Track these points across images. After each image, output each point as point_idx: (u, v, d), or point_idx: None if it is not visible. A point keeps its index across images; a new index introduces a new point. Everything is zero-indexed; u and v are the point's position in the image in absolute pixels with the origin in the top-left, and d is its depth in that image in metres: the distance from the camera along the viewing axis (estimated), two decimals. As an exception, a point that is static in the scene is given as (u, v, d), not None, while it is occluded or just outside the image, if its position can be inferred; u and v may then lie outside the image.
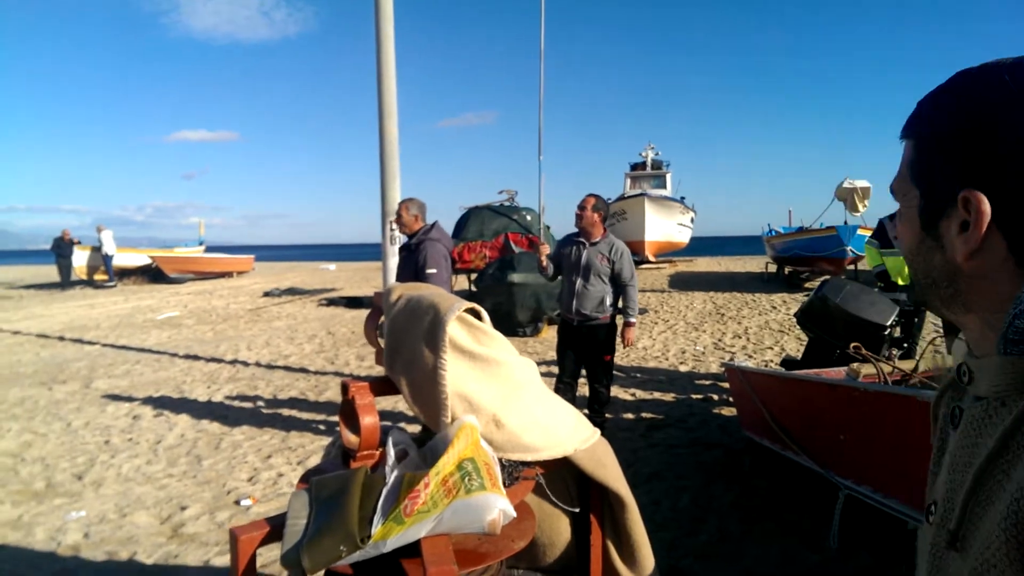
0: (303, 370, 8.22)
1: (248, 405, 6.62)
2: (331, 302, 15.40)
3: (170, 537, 3.84)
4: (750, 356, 8.12)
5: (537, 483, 2.00)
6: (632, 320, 4.89)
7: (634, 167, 29.94)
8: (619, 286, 4.80)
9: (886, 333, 4.98)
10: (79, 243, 21.78)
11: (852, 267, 15.56)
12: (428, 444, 1.89)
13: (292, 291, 18.00)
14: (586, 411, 4.82)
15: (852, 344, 4.10)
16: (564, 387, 4.91)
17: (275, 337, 10.80)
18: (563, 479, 2.21)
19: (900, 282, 6.03)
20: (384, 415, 5.47)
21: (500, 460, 1.90)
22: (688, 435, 5.23)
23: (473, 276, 12.85)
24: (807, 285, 16.34)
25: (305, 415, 6.20)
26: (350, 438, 1.98)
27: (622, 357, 8.37)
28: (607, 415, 5.04)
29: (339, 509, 1.76)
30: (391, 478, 1.75)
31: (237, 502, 4.27)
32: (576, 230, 4.90)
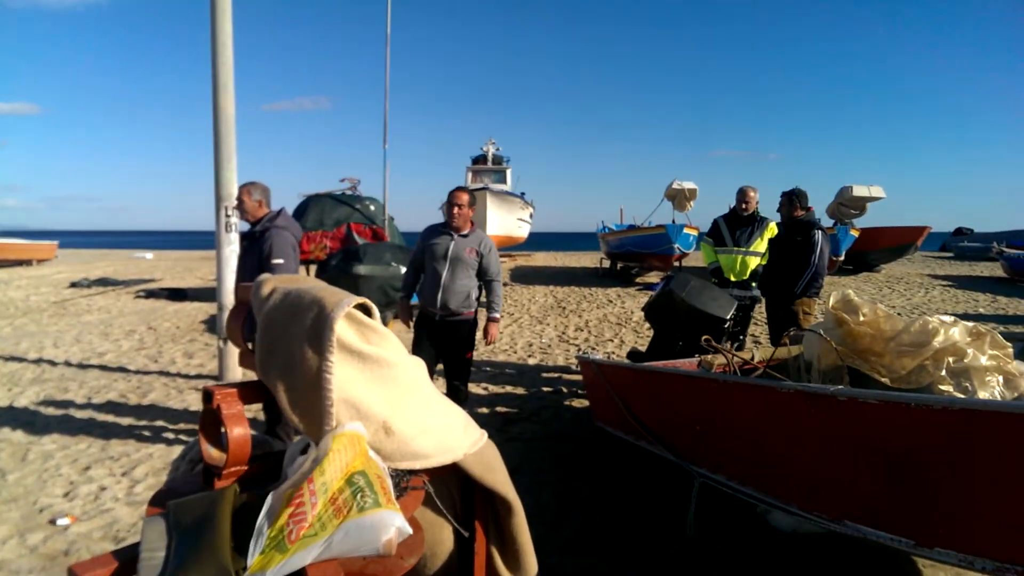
0: (122, 369, 7.41)
1: (58, 411, 5.84)
2: (150, 294, 14.08)
3: (-34, 569, 3.27)
4: (593, 348, 8.38)
5: (428, 491, 1.87)
6: (496, 316, 4.78)
7: (475, 160, 30.11)
8: (485, 281, 4.71)
9: (726, 327, 5.29)
10: None
11: (678, 263, 16.62)
12: (311, 449, 1.69)
13: (104, 281, 16.28)
14: None
15: (703, 337, 4.29)
16: None
17: (86, 333, 9.68)
18: (447, 485, 2.09)
19: (732, 278, 6.45)
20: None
21: (388, 470, 1.75)
22: (543, 429, 5.27)
23: (313, 268, 12.29)
24: (638, 280, 17.26)
25: (127, 420, 5.57)
26: (212, 453, 1.72)
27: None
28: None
29: (207, 538, 1.52)
30: (273, 496, 1.54)
31: (52, 521, 3.73)
32: (442, 221, 4.75)
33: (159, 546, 1.53)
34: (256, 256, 4.37)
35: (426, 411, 1.85)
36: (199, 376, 7.10)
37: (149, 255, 28.20)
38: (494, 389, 6.45)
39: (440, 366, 4.77)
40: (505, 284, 16.44)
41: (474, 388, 6.45)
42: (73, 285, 15.75)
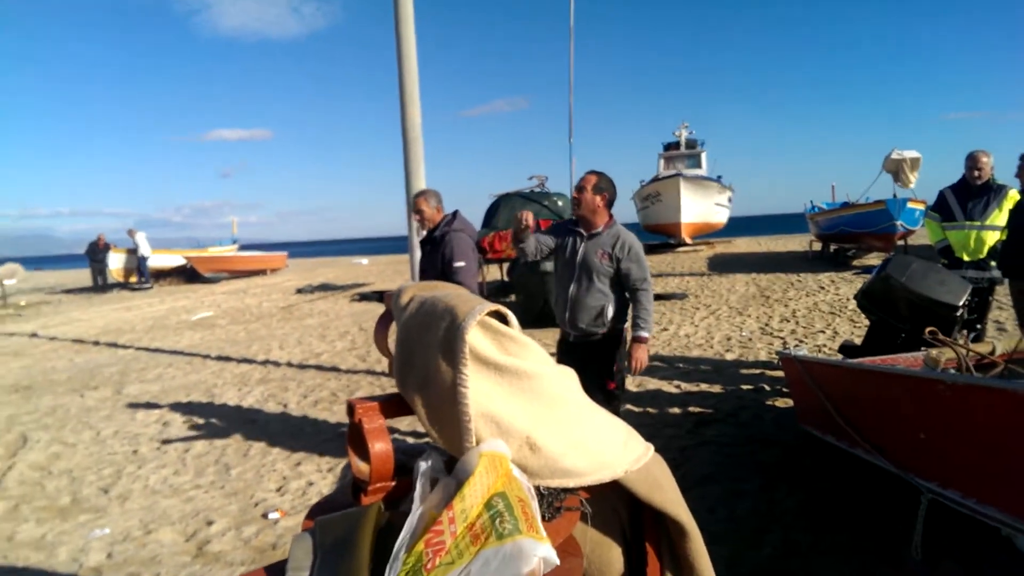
0: (335, 369, 8.01)
1: (279, 408, 6.42)
2: (363, 297, 15.23)
3: (195, 556, 3.62)
4: (801, 341, 7.67)
5: (585, 513, 1.70)
6: (643, 335, 3.79)
7: (667, 147, 29.24)
8: (628, 291, 3.84)
9: (958, 314, 4.54)
10: (114, 247, 22.03)
11: (902, 243, 14.89)
12: (454, 471, 1.59)
13: (324, 287, 17.90)
14: None
15: (927, 329, 3.68)
16: None
17: (307, 335, 10.63)
18: (612, 503, 1.88)
19: (966, 258, 5.55)
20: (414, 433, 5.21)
21: (538, 488, 1.60)
22: (742, 431, 4.85)
23: (506, 266, 12.56)
24: (855, 263, 15.70)
25: (336, 417, 5.98)
26: (360, 467, 1.68)
27: (663, 346, 8.00)
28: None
29: (346, 560, 1.46)
30: (413, 518, 1.45)
31: (265, 515, 4.04)
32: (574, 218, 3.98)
33: (304, 564, 1.49)
34: (438, 260, 4.46)
35: (576, 425, 1.66)
36: (377, 396, 7.46)
37: (365, 260, 30.69)
38: (687, 387, 6.09)
39: None
40: (702, 274, 15.73)
41: (665, 386, 6.15)
42: (298, 291, 17.49)
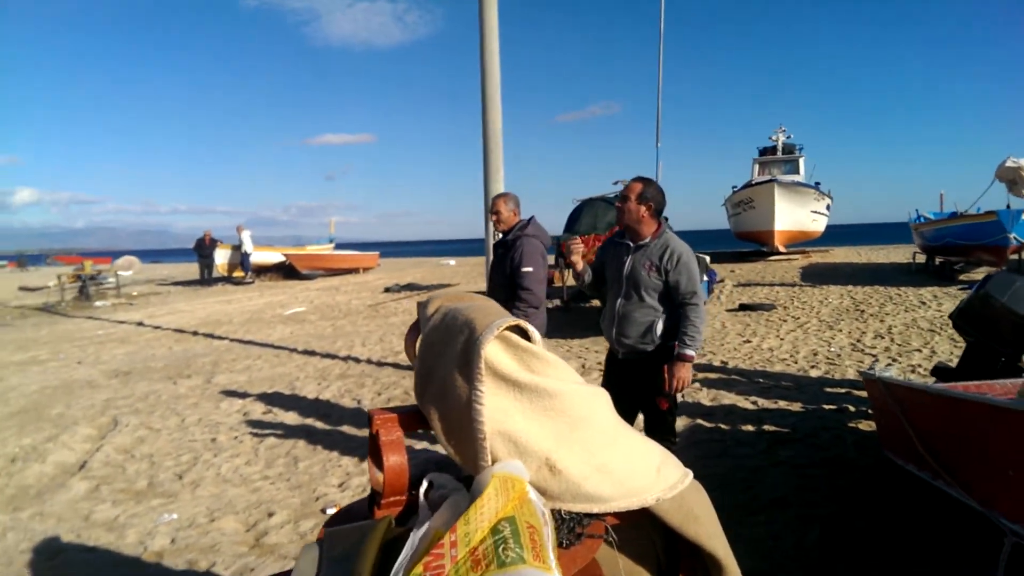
0: (410, 368, 8.11)
1: (353, 404, 6.57)
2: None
3: (251, 547, 3.73)
4: (894, 360, 7.21)
5: (610, 540, 1.61)
6: (687, 352, 3.45)
7: (763, 152, 28.24)
8: (677, 304, 3.52)
9: (1067, 339, 4.14)
10: (220, 243, 23.23)
11: (1016, 257, 13.81)
12: (470, 489, 1.55)
13: (411, 287, 18.26)
14: None
15: (1027, 355, 3.36)
16: None
17: (389, 333, 10.85)
18: (647, 531, 1.79)
19: (1084, 277, 5.06)
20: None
21: (559, 513, 1.53)
22: (819, 453, 4.59)
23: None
24: (962, 277, 14.68)
25: (405, 417, 6.05)
26: (377, 478, 1.66)
27: (744, 358, 7.69)
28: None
29: (350, 573, 1.45)
30: (415, 538, 1.42)
31: (323, 510, 4.13)
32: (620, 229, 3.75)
33: (308, 575, 1.49)
34: (508, 264, 4.44)
35: (603, 448, 1.58)
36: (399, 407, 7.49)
37: (452, 261, 31.13)
38: (764, 403, 5.83)
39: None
40: (793, 284, 15.08)
41: (741, 401, 5.90)
42: (386, 290, 17.91)
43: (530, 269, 4.32)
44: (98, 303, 17.73)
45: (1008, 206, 14.25)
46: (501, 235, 4.62)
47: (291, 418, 6.20)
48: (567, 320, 10.70)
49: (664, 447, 3.61)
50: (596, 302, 11.05)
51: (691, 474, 1.78)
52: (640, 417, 3.75)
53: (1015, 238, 12.79)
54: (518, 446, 1.47)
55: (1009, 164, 14.32)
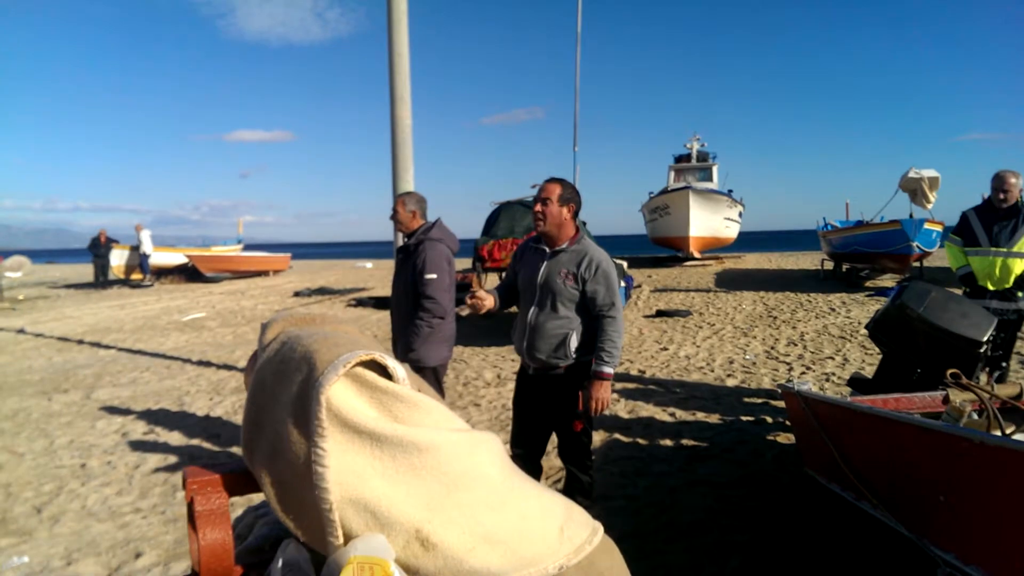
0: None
1: (246, 421, 6.02)
2: (359, 302, 14.84)
3: (108, 597, 3.21)
4: (808, 368, 7.21)
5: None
6: (605, 371, 3.18)
7: (678, 159, 28.80)
8: (594, 316, 3.24)
9: (981, 351, 4.09)
10: (116, 243, 21.79)
11: (918, 264, 14.40)
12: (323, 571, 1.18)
13: (322, 291, 17.53)
14: None
15: (949, 371, 3.25)
16: (520, 461, 3.62)
17: (294, 341, 10.25)
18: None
19: (990, 287, 5.09)
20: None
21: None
22: (738, 470, 4.40)
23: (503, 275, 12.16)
24: (868, 284, 15.19)
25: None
26: (195, 556, 1.28)
27: (661, 367, 7.55)
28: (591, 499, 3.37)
29: None
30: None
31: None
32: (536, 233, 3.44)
33: None
34: (410, 271, 4.07)
35: (490, 510, 1.24)
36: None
37: (369, 264, 30.30)
38: (682, 415, 5.65)
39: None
40: (708, 290, 15.25)
41: (659, 413, 5.71)
42: (296, 295, 17.13)
43: (434, 276, 3.95)
44: (-25, 308, 16.24)
45: (911, 215, 14.84)
46: (403, 239, 4.25)
47: (175, 439, 5.61)
48: (485, 326, 10.37)
49: (581, 478, 3.27)
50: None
51: (600, 529, 1.46)
52: (553, 439, 3.45)
53: (918, 246, 13.29)
54: (378, 516, 1.12)
55: (911, 175, 14.92)
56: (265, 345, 1.32)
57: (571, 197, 3.26)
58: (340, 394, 1.09)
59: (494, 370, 7.59)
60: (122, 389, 7.51)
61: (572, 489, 3.38)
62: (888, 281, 15.02)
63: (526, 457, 3.54)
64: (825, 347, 8.35)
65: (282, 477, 1.14)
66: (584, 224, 12.76)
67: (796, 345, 8.59)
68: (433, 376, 4.09)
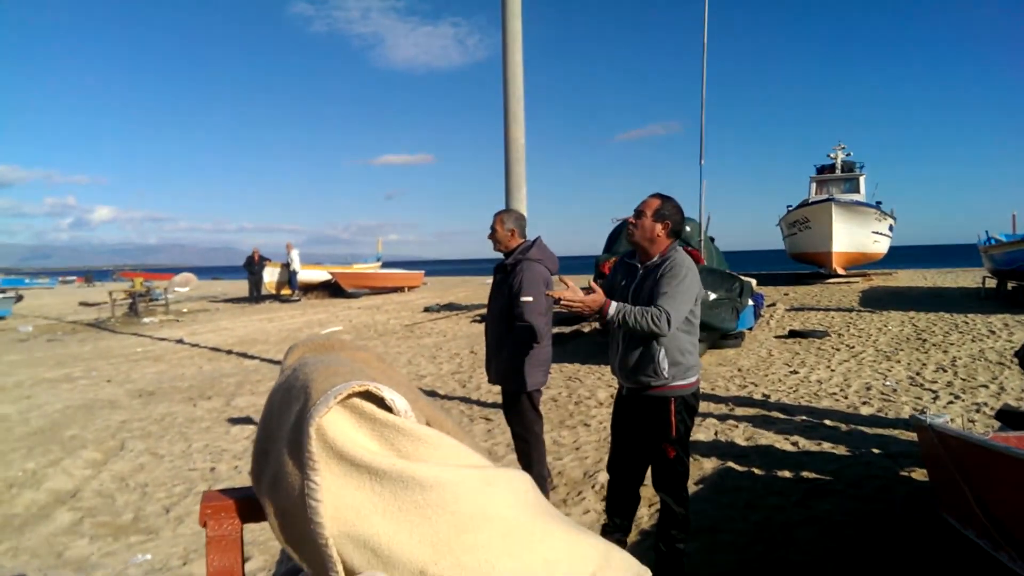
0: (433, 393, 7.78)
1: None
2: (483, 318, 15.08)
3: (216, 599, 3.38)
4: (957, 397, 6.51)
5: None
6: (611, 308, 2.94)
7: (821, 170, 27.22)
8: (683, 332, 3.11)
9: None
10: (269, 261, 23.46)
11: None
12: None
13: (451, 307, 17.99)
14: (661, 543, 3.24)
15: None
16: (614, 487, 3.45)
17: (419, 355, 10.55)
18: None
19: None
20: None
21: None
22: (862, 507, 4.02)
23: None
24: (1038, 304, 13.62)
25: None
26: (219, 584, 1.29)
27: (788, 391, 7.08)
28: (680, 544, 3.20)
29: None
30: None
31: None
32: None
33: None
34: (506, 292, 4.03)
35: (506, 554, 1.16)
36: (495, 405, 7.09)
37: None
38: (805, 444, 5.25)
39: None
40: (850, 309, 14.23)
41: (780, 442, 5.34)
42: (426, 310, 17.68)
43: (530, 299, 3.87)
44: (146, 320, 17.99)
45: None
46: (503, 256, 4.22)
47: (297, 447, 5.90)
48: (603, 343, 10.22)
49: (675, 510, 3.07)
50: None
51: (648, 575, 1.34)
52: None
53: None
54: (379, 555, 1.07)
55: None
56: (282, 371, 1.32)
57: (669, 215, 3.15)
58: (336, 425, 1.06)
59: (608, 389, 7.42)
60: (259, 397, 8.01)
61: (666, 521, 3.21)
62: (1064, 301, 13.39)
63: (621, 484, 3.42)
64: (979, 374, 7.52)
65: (283, 507, 1.12)
66: (712, 240, 12.31)
67: (946, 371, 7.80)
68: (528, 401, 4.04)
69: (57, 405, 8.08)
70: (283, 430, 1.13)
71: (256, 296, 23.70)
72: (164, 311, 19.47)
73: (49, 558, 3.96)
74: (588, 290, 3.12)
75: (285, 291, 23.42)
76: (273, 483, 1.14)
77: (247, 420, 6.93)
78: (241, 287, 27.74)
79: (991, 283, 16.28)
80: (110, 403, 8.08)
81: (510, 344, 3.91)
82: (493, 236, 4.20)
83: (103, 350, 13.02)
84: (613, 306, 2.95)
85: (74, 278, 52.28)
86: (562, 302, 2.96)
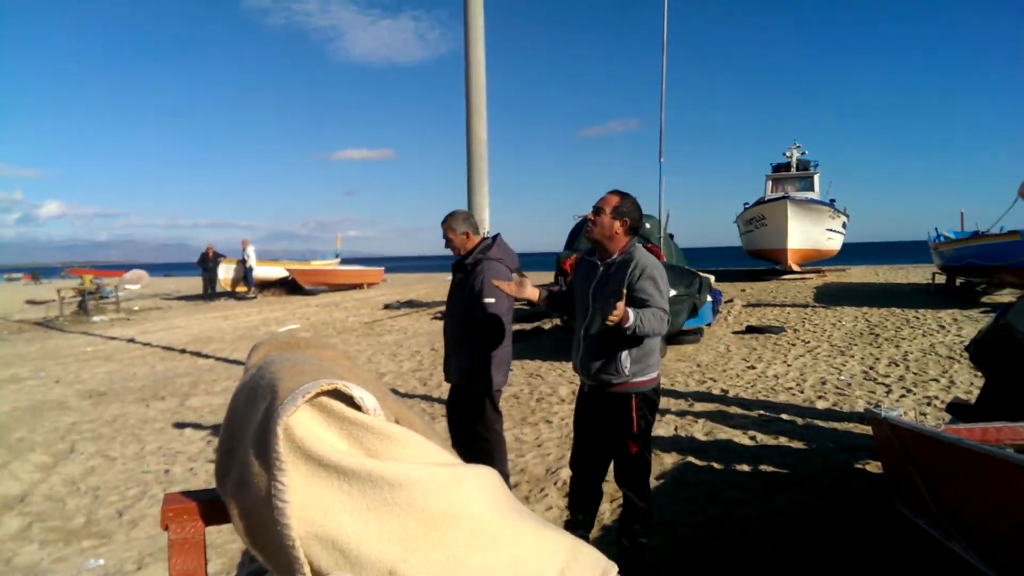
0: (393, 391, 7.68)
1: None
2: (443, 316, 15.02)
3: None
4: (908, 391, 6.70)
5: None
6: (631, 317, 2.90)
7: (776, 168, 27.75)
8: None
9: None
10: (224, 257, 23.00)
11: (1041, 278, 13.22)
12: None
13: (411, 303, 17.87)
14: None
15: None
16: (577, 483, 3.49)
17: (378, 353, 10.45)
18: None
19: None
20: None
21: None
22: (819, 500, 4.11)
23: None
24: (984, 300, 14.09)
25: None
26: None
27: (746, 386, 7.21)
28: (642, 539, 3.23)
29: None
30: None
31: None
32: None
33: None
34: (467, 292, 3.94)
35: (474, 550, 1.15)
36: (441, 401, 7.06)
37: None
38: (764, 439, 5.34)
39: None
40: (805, 305, 14.56)
41: (738, 436, 5.43)
42: (386, 307, 17.53)
43: (492, 300, 3.81)
44: (96, 318, 17.48)
45: (1032, 225, 13.68)
46: (458, 258, 4.14)
47: (256, 447, 5.80)
48: (566, 340, 10.26)
49: (638, 505, 3.10)
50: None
51: (613, 571, 1.34)
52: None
53: (1039, 259, 12.24)
54: (347, 555, 1.06)
55: (1032, 181, 13.76)
56: (246, 370, 1.29)
57: (627, 212, 3.17)
58: (304, 425, 1.04)
59: (570, 386, 7.45)
60: (214, 397, 7.84)
61: (629, 516, 3.24)
62: (1007, 296, 13.86)
63: (583, 480, 3.43)
64: (930, 368, 7.75)
65: (249, 508, 1.10)
66: (672, 237, 12.45)
67: (898, 365, 8.02)
68: (490, 401, 4.02)
69: (3, 407, 7.79)
70: (249, 430, 1.11)
71: (210, 293, 23.24)
72: (115, 309, 18.93)
73: (-4, 566, 3.82)
74: (549, 286, 3.13)
75: (240, 288, 22.98)
76: (238, 484, 1.11)
77: (202, 421, 6.78)
78: (195, 284, 27.17)
79: (940, 279, 16.80)
80: (59, 404, 7.83)
81: (472, 344, 3.87)
82: (450, 245, 4.11)
83: (51, 349, 12.62)
84: (631, 314, 2.91)
85: (20, 275, 50.51)
86: (608, 321, 2.91)
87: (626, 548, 3.20)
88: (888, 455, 3.72)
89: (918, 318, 11.85)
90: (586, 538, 3.41)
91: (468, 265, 3.96)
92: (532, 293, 3.29)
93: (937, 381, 7.08)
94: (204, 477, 5.09)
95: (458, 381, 4.01)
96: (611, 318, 2.86)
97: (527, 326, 12.16)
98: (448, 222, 4.05)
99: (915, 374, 7.51)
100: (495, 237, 4.11)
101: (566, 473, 4.38)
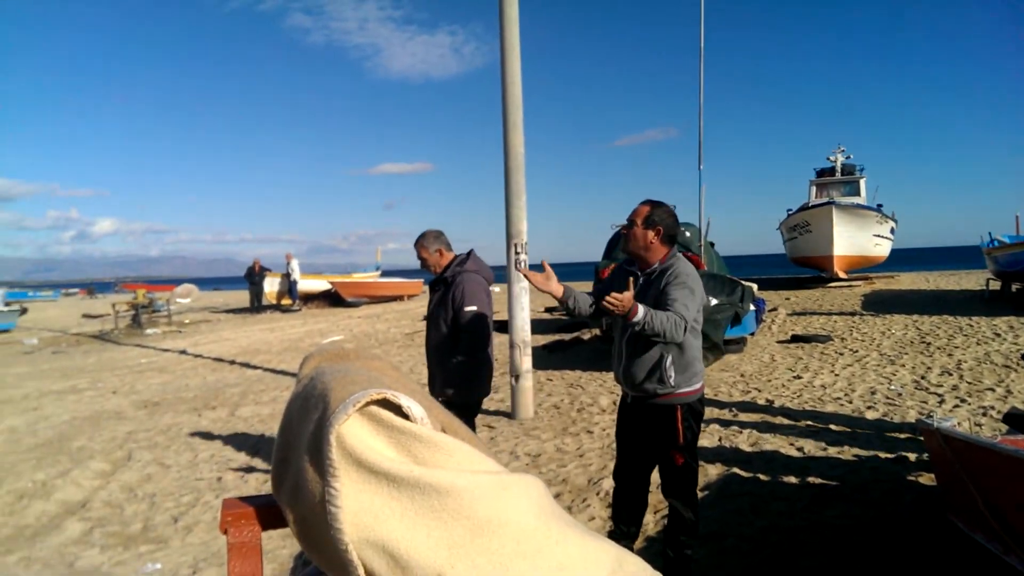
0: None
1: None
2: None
3: (225, 609, 3.39)
4: (963, 400, 6.51)
5: None
6: (640, 310, 2.82)
7: (820, 173, 27.19)
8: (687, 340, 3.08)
9: None
10: (269, 271, 23.51)
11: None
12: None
13: (452, 314, 18.01)
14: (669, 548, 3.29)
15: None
16: (621, 494, 3.47)
17: (420, 363, 10.50)
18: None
19: None
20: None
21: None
22: (868, 512, 4.02)
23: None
24: (1041, 306, 13.61)
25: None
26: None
27: (792, 396, 7.09)
28: (688, 551, 3.23)
29: None
30: None
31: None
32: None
33: None
34: (449, 304, 4.04)
35: (519, 557, 1.17)
36: (497, 412, 7.10)
37: (497, 288, 30.77)
38: (811, 450, 5.25)
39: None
40: (853, 313, 14.24)
41: (785, 447, 5.35)
42: (424, 319, 17.68)
43: (474, 308, 3.93)
44: (149, 331, 18.03)
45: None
46: (436, 275, 4.21)
47: (303, 456, 5.92)
48: (604, 350, 10.23)
49: (683, 515, 3.06)
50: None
51: (660, 583, 1.35)
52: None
53: (1100, 264, 11.78)
54: (398, 559, 1.09)
55: (1091, 184, 13.24)
56: (298, 380, 1.34)
57: (659, 220, 3.16)
58: (355, 433, 1.08)
59: (611, 396, 7.43)
60: (263, 407, 8.03)
61: (675, 527, 3.22)
62: (1068, 303, 13.38)
63: (628, 491, 3.43)
64: (985, 377, 7.52)
65: (304, 514, 1.14)
66: (712, 245, 12.32)
67: (951, 375, 7.79)
68: (474, 411, 4.14)
69: (64, 416, 8.11)
70: (303, 438, 1.15)
71: (257, 306, 23.73)
72: (167, 322, 19.51)
73: (61, 568, 3.98)
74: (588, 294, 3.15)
75: (285, 301, 23.43)
76: (294, 490, 1.15)
77: (251, 430, 6.94)
78: (242, 298, 27.78)
79: (995, 285, 16.26)
80: (116, 414, 8.11)
81: (457, 355, 3.96)
82: (425, 264, 4.22)
83: (107, 361, 13.06)
84: (641, 309, 2.85)
85: (77, 290, 52.40)
86: (604, 301, 2.85)
87: (671, 559, 3.19)
88: (942, 467, 3.63)
89: (972, 326, 11.49)
90: (630, 549, 3.41)
91: (447, 279, 4.07)
92: (557, 288, 3.26)
93: (993, 391, 6.86)
94: (254, 484, 5.22)
95: (441, 393, 4.08)
96: (610, 299, 2.78)
97: (566, 336, 12.15)
98: (420, 243, 4.21)
99: (969, 383, 7.29)
100: (469, 252, 4.24)
101: (608, 483, 4.38)
